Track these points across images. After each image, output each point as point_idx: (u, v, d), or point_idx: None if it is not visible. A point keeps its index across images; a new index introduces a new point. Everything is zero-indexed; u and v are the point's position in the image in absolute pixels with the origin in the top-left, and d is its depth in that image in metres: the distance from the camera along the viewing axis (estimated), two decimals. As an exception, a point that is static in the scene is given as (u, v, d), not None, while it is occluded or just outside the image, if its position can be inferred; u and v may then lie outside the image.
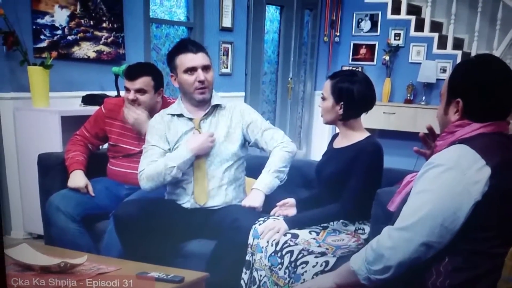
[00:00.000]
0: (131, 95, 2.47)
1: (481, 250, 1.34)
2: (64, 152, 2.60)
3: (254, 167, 2.38)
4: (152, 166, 2.19)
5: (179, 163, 2.17)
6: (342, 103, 2.01)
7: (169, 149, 2.27)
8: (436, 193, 1.32)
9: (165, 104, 2.56)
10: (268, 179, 2.21)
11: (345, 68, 5.57)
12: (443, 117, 1.47)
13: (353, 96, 2.00)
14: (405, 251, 1.33)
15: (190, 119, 2.27)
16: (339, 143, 2.11)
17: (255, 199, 2.17)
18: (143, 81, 2.47)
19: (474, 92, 1.38)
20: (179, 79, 2.24)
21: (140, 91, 2.47)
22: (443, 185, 1.31)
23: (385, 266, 1.35)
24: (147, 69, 2.54)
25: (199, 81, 2.21)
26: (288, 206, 2.15)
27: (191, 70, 2.21)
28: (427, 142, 1.57)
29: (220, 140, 2.26)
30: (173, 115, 2.29)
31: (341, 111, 2.02)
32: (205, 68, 2.23)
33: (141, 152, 2.34)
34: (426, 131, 1.58)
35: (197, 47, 2.24)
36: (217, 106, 2.30)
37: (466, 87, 1.39)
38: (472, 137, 1.37)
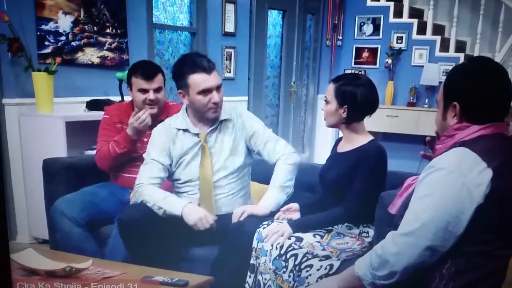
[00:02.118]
0: (152, 95, 2.45)
1: (484, 252, 1.34)
2: (101, 154, 2.50)
3: (259, 171, 2.39)
4: (149, 191, 2.14)
5: (168, 209, 2.10)
6: (345, 106, 2.01)
7: (170, 165, 2.24)
8: (438, 197, 1.32)
9: (166, 108, 2.59)
10: (274, 195, 2.20)
11: (347, 71, 5.58)
12: (441, 123, 1.47)
13: (357, 99, 2.00)
14: (410, 256, 1.33)
15: (196, 134, 2.25)
16: (342, 147, 2.11)
17: (259, 212, 2.15)
18: (159, 79, 2.48)
19: (470, 94, 1.38)
20: (192, 99, 2.18)
21: (158, 89, 2.47)
22: (445, 189, 1.31)
23: (390, 272, 1.35)
24: (157, 66, 2.55)
25: (214, 103, 2.18)
26: (292, 211, 2.15)
27: (206, 91, 2.16)
28: (433, 147, 1.57)
29: (226, 155, 2.24)
30: (178, 129, 2.26)
31: (344, 115, 2.03)
32: (218, 88, 2.20)
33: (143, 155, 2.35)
34: (431, 135, 1.58)
35: (210, 66, 2.17)
36: (223, 120, 2.28)
37: (462, 89, 1.40)
38: (472, 140, 1.37)
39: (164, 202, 2.11)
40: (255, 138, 2.28)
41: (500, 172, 1.30)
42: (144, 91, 2.46)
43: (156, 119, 2.53)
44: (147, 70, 2.49)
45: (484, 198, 1.30)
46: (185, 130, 2.25)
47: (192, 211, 2.09)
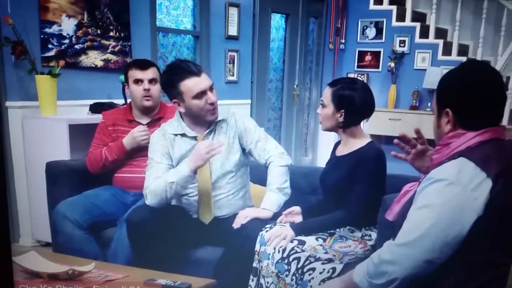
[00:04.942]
0: (146, 85, 2.53)
1: (484, 261, 1.32)
2: (93, 160, 2.58)
3: (259, 173, 2.39)
4: (156, 182, 2.15)
5: (178, 178, 2.11)
6: (343, 110, 2.01)
7: (172, 166, 2.24)
8: (438, 209, 1.30)
9: (163, 107, 2.61)
10: (273, 197, 2.20)
11: (350, 75, 5.59)
12: (437, 130, 1.45)
13: (354, 104, 2.00)
14: (407, 267, 1.32)
15: (193, 137, 2.25)
16: (341, 151, 2.11)
17: (263, 215, 2.16)
18: (154, 71, 2.57)
19: (462, 100, 1.36)
20: (188, 105, 2.17)
21: (153, 81, 2.54)
22: (444, 201, 1.30)
23: (387, 281, 1.35)
24: (151, 61, 2.65)
25: (211, 103, 2.18)
26: (294, 214, 2.15)
27: (201, 94, 2.16)
28: (404, 148, 1.60)
29: (222, 154, 2.24)
30: (175, 134, 2.26)
31: (341, 119, 2.02)
32: (211, 88, 2.20)
33: (144, 155, 2.36)
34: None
35: (198, 68, 2.18)
36: (218, 121, 2.28)
37: (454, 95, 1.38)
38: (470, 149, 1.34)
39: (171, 175, 2.14)
40: (247, 136, 2.28)
41: (500, 181, 1.29)
42: (140, 81, 2.54)
43: (153, 118, 2.60)
44: (141, 61, 2.63)
45: (484, 208, 1.28)
46: (182, 135, 2.26)
47: (193, 155, 2.12)
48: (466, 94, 1.36)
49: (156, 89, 2.56)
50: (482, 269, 1.33)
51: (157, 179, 2.17)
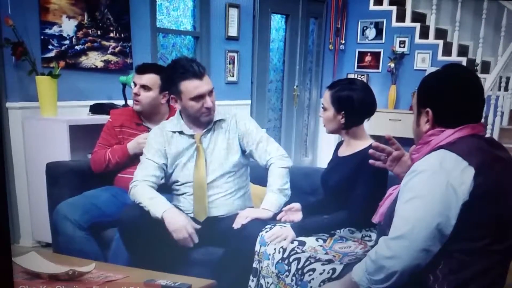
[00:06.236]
0: (136, 89, 2.55)
1: (475, 250, 1.36)
2: (96, 161, 2.59)
3: (260, 174, 2.39)
4: (140, 190, 2.15)
5: (151, 211, 2.09)
6: (343, 112, 2.01)
7: (165, 164, 2.25)
8: (425, 198, 1.34)
9: (173, 113, 2.60)
10: (274, 198, 2.21)
11: (350, 76, 5.59)
12: (416, 129, 1.50)
13: (354, 104, 2.00)
14: (405, 259, 1.35)
15: (191, 135, 2.26)
16: (343, 152, 2.11)
17: (263, 216, 2.16)
18: (150, 78, 2.55)
19: (442, 100, 1.42)
20: (185, 105, 2.19)
21: (145, 87, 2.54)
22: (430, 190, 1.34)
23: (386, 276, 1.37)
24: (157, 68, 2.62)
25: (206, 107, 2.19)
26: (294, 211, 2.15)
27: (199, 97, 2.17)
28: (379, 157, 1.66)
29: (220, 154, 2.25)
30: (173, 132, 2.27)
31: (343, 120, 2.03)
32: (210, 92, 2.21)
33: None
34: (376, 147, 1.65)
35: (200, 70, 2.17)
36: (217, 121, 2.29)
37: (434, 96, 1.43)
38: (450, 143, 1.39)
39: (149, 202, 2.12)
40: (248, 137, 2.29)
41: (482, 169, 1.33)
42: (135, 85, 2.57)
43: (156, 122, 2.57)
44: (141, 65, 2.62)
45: (469, 195, 1.32)
46: (180, 132, 2.27)
47: (173, 218, 2.08)
48: (446, 95, 1.42)
49: (146, 96, 2.54)
50: (474, 259, 1.36)
51: (145, 185, 2.17)
